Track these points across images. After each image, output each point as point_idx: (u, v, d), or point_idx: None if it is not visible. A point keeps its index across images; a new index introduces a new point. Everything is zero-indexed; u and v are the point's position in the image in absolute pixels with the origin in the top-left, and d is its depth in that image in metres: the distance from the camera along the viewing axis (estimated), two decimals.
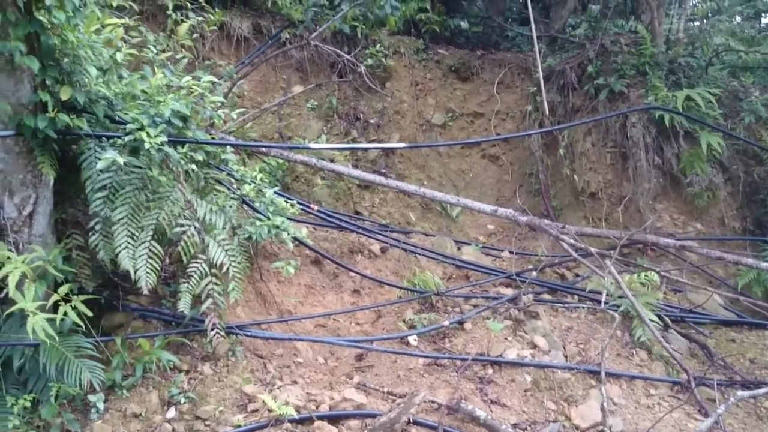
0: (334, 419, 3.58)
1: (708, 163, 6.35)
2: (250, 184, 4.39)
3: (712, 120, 6.43)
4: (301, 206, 5.16)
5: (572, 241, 5.15)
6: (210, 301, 3.69)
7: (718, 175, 6.44)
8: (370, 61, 7.25)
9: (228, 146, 4.40)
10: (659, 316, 5.02)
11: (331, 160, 6.48)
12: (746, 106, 6.65)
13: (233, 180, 4.55)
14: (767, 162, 6.76)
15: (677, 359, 4.63)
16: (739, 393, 4.28)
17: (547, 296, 5.32)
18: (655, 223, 6.52)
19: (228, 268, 3.86)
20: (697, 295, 5.83)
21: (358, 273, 5.13)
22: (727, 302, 6.06)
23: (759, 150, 6.65)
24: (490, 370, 4.35)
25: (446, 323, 4.70)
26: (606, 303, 4.97)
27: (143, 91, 3.99)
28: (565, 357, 4.62)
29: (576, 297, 5.34)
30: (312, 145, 5.47)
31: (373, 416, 3.64)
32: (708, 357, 4.97)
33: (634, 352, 4.81)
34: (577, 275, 5.75)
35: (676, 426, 4.24)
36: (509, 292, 5.21)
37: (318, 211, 5.31)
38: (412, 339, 4.60)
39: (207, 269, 3.71)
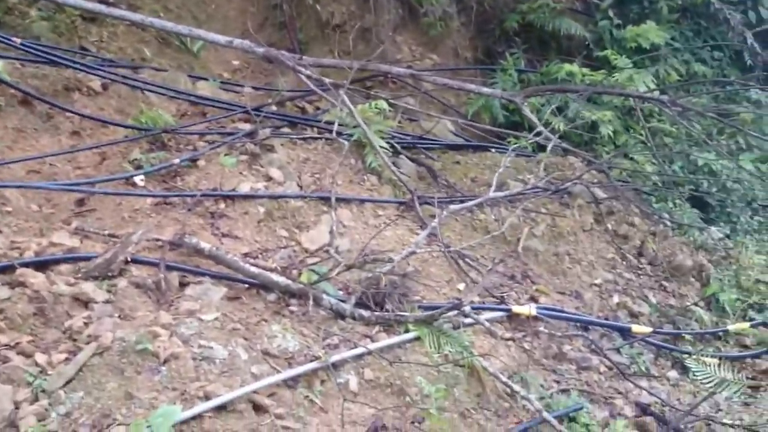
0: (41, 265, 3.34)
1: None
2: None
3: None
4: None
5: (309, 72, 5.10)
6: None
7: (451, 5, 6.65)
8: None
9: None
10: (391, 144, 5.25)
11: None
12: None
13: None
14: None
15: (403, 181, 4.93)
16: (451, 207, 4.70)
17: (287, 130, 5.29)
18: (396, 54, 6.67)
19: None
20: (431, 123, 6.17)
21: (76, 113, 4.67)
22: (458, 129, 6.51)
23: None
24: (222, 205, 4.30)
25: (177, 161, 4.50)
26: (341, 133, 5.09)
27: None
28: (300, 187, 4.69)
29: (316, 129, 5.37)
30: None
31: (88, 259, 3.45)
32: (433, 178, 5.36)
33: (366, 178, 5.03)
34: (318, 108, 5.76)
35: (400, 241, 4.58)
36: (248, 127, 5.08)
37: (21, 44, 4.64)
38: (139, 179, 4.36)
39: None
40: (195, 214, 4.16)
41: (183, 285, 3.59)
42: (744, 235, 6.45)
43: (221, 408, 2.91)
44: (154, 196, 4.21)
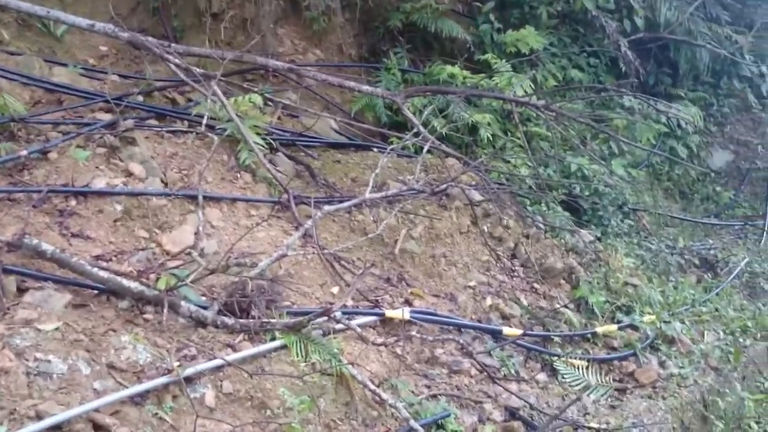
0: None
1: None
2: None
3: None
4: None
5: (178, 61, 4.80)
6: None
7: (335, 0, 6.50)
8: None
9: None
10: (268, 140, 5.03)
11: None
12: None
13: None
14: None
15: (278, 179, 4.73)
16: (326, 207, 4.55)
17: (154, 122, 4.95)
18: (278, 48, 6.44)
19: None
20: (313, 120, 5.99)
21: None
22: (341, 127, 6.36)
23: None
24: (73, 202, 3.94)
25: (24, 153, 4.09)
26: (213, 127, 4.83)
27: None
28: (165, 184, 4.39)
29: (186, 123, 5.06)
30: None
31: None
32: (312, 177, 5.18)
33: (239, 176, 4.79)
34: (190, 100, 5.43)
35: (273, 243, 4.38)
36: (108, 117, 4.71)
37: None
38: None
39: None
40: (41, 211, 3.79)
41: (21, 291, 3.25)
42: (614, 238, 6.70)
43: (56, 428, 2.65)
44: None
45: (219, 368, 3.21)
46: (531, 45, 6.76)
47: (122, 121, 4.51)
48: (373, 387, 3.46)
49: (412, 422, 3.37)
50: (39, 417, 2.64)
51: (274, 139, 5.17)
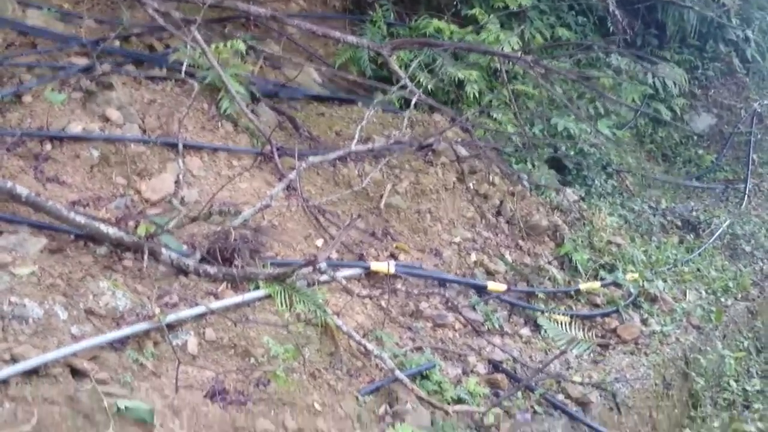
0: None
1: None
2: None
3: None
4: None
5: (156, 5, 4.63)
6: None
7: None
8: None
9: None
10: (250, 90, 4.88)
11: None
12: None
13: None
14: None
15: (261, 130, 4.60)
16: (310, 158, 4.45)
17: (131, 68, 4.78)
18: None
19: None
20: (296, 72, 5.83)
21: None
22: (325, 81, 6.21)
23: None
24: (48, 146, 3.80)
25: None
26: (193, 75, 4.67)
27: None
28: (143, 131, 4.25)
29: (165, 69, 4.89)
30: None
31: None
32: (295, 129, 5.06)
33: (220, 125, 4.65)
34: (168, 46, 5.24)
35: (255, 194, 4.28)
36: (84, 62, 4.53)
37: None
38: None
39: None
40: (15, 155, 3.66)
41: None
42: (598, 198, 6.68)
43: (32, 372, 2.55)
44: None
45: (202, 316, 3.14)
46: (519, 1, 6.61)
47: (99, 66, 4.34)
48: (358, 338, 3.41)
49: (398, 372, 3.33)
50: (14, 360, 2.55)
51: (256, 89, 5.02)
